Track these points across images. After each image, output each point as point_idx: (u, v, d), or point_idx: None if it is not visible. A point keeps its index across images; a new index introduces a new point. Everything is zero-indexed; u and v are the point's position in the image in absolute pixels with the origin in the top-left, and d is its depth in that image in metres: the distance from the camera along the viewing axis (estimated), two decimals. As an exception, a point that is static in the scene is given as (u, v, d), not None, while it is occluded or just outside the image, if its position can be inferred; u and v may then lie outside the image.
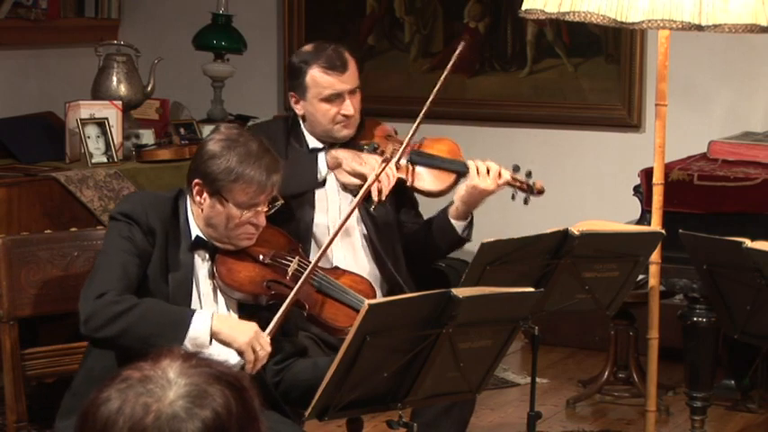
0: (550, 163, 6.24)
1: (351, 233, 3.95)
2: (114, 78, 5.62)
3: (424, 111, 3.98)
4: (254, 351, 3.17)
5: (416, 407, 3.52)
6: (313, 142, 4.05)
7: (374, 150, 4.01)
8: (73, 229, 3.83)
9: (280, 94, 6.73)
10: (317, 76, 3.98)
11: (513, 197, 4.02)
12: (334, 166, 3.96)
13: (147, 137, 5.58)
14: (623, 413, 5.27)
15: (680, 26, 3.83)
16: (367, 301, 2.94)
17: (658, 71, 4.11)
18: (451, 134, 6.21)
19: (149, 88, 5.69)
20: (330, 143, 4.02)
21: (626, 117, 6.05)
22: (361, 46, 6.40)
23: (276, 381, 3.35)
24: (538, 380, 3.91)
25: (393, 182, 3.90)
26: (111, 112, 5.35)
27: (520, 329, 3.23)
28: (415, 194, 4.11)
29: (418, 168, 4.04)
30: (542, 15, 3.98)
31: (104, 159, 5.26)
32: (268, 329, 3.25)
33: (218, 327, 3.17)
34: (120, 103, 5.45)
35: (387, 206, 3.97)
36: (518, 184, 3.99)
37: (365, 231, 3.98)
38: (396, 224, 4.03)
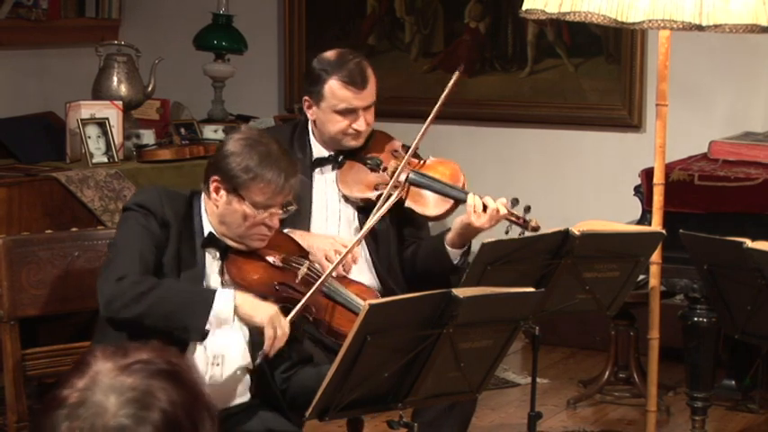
0: (550, 163, 6.24)
1: None
2: (115, 78, 5.62)
3: (423, 129, 3.90)
4: (274, 328, 3.22)
5: (417, 407, 3.52)
6: (319, 150, 4.03)
7: (377, 166, 3.97)
8: (73, 230, 3.83)
9: (280, 94, 6.73)
10: (334, 88, 3.93)
11: (506, 231, 3.80)
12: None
13: (148, 137, 5.58)
14: (624, 413, 5.27)
15: (680, 26, 3.83)
16: (367, 301, 2.94)
17: (659, 71, 4.11)
18: (451, 134, 6.21)
19: (150, 88, 5.69)
20: (337, 151, 4.01)
21: (626, 117, 6.05)
22: (362, 46, 6.39)
23: (283, 389, 3.37)
24: (538, 380, 3.91)
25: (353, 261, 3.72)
26: (111, 113, 5.35)
27: (520, 329, 3.23)
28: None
29: (415, 189, 3.94)
30: (543, 15, 3.98)
31: (105, 159, 5.26)
32: (290, 315, 3.30)
33: (240, 301, 3.23)
34: (121, 103, 5.45)
35: (386, 221, 3.95)
36: (514, 219, 3.83)
37: (365, 244, 3.96)
38: (395, 239, 3.99)
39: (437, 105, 3.88)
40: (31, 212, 4.97)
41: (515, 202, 3.85)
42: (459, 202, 3.90)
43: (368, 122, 3.98)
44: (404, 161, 3.92)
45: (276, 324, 3.23)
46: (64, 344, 3.62)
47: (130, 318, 3.18)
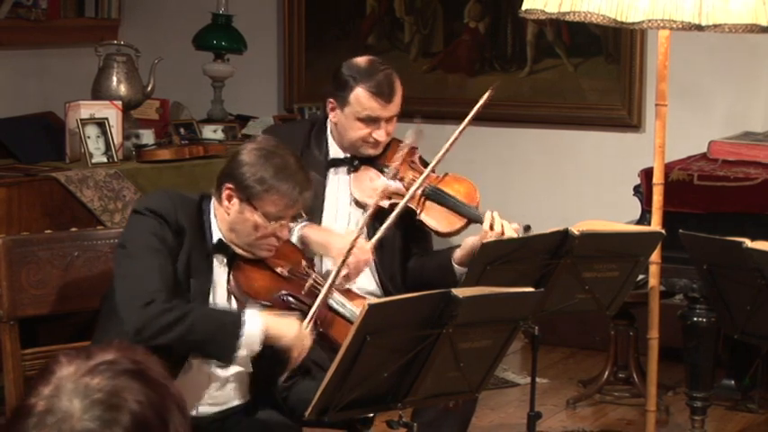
0: (550, 163, 6.24)
1: None
2: (114, 78, 5.62)
3: (447, 145, 3.90)
4: (301, 345, 3.24)
5: (416, 407, 3.52)
6: (335, 151, 4.04)
7: (393, 176, 3.98)
8: (73, 230, 3.83)
9: (279, 94, 6.73)
10: (361, 97, 3.95)
11: None
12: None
13: (148, 137, 5.58)
14: (623, 413, 5.27)
15: (680, 26, 3.83)
16: (367, 301, 2.94)
17: (658, 71, 4.11)
18: (451, 134, 6.22)
19: (149, 88, 5.69)
20: (352, 156, 4.02)
21: (626, 117, 6.06)
22: (362, 46, 6.40)
23: (283, 397, 3.37)
24: (538, 380, 3.91)
25: (363, 267, 3.76)
26: (111, 112, 5.35)
27: (520, 329, 3.23)
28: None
29: (430, 204, 3.97)
30: (542, 15, 3.98)
31: (104, 159, 5.25)
32: (305, 323, 3.31)
33: (267, 324, 3.22)
34: (120, 103, 5.45)
35: (393, 229, 3.95)
36: None
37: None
38: (399, 248, 4.00)
39: (461, 126, 3.92)
40: (31, 212, 4.97)
41: (527, 228, 3.87)
42: (473, 222, 3.92)
43: (388, 133, 4.01)
44: (423, 176, 3.93)
45: (303, 339, 3.25)
46: (64, 344, 3.61)
47: (161, 346, 3.15)
